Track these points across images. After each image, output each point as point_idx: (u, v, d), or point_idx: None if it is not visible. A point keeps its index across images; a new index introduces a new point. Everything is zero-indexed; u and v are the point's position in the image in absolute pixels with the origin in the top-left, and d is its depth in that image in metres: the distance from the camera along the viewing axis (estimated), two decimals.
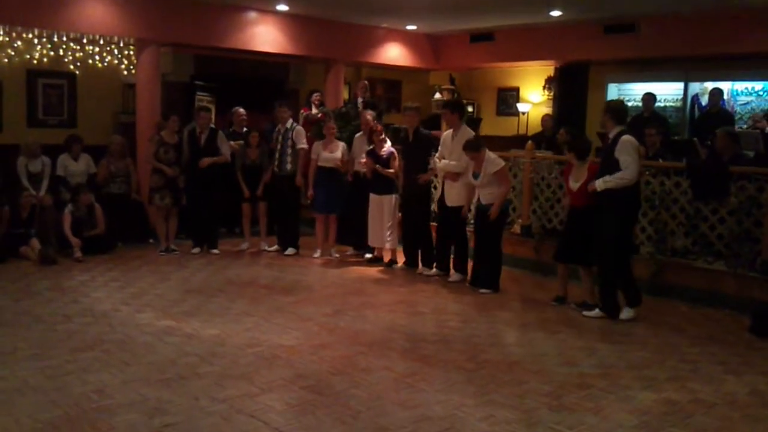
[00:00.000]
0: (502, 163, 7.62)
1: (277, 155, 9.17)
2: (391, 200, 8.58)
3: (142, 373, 4.91)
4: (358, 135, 9.14)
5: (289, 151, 9.12)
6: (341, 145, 9.05)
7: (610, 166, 6.40)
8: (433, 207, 8.88)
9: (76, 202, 8.84)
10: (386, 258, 8.87)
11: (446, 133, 8.13)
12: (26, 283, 7.41)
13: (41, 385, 4.65)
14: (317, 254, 9.17)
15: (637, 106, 12.12)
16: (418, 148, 8.40)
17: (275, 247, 9.49)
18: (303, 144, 9.18)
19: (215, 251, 9.23)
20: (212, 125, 9.33)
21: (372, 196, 8.69)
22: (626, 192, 6.39)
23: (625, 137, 6.38)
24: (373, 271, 8.58)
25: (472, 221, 8.08)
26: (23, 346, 5.42)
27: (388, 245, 8.73)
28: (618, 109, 6.67)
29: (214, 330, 5.95)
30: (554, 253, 7.23)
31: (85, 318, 6.20)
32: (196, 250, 9.22)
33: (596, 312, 6.67)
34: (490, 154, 7.55)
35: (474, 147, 7.53)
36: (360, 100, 10.62)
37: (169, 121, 9.08)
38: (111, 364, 5.08)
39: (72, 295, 6.95)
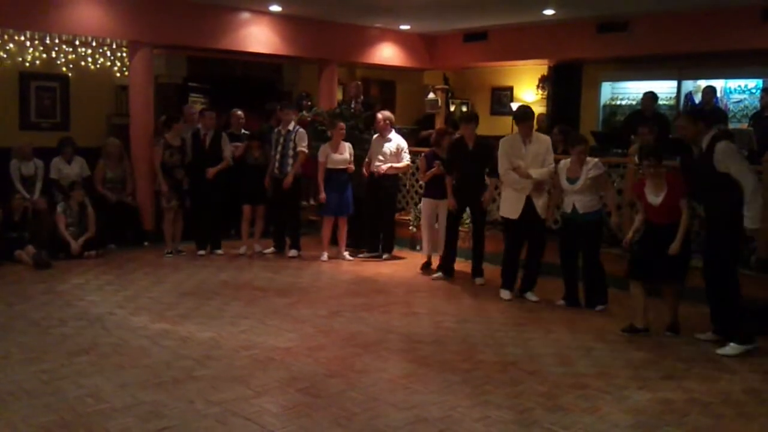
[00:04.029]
0: (603, 167, 7.06)
1: (278, 157, 9.14)
2: (447, 206, 8.27)
3: (137, 376, 4.90)
4: (375, 136, 9.21)
5: (291, 153, 9.12)
6: (348, 146, 9.06)
7: (711, 180, 5.76)
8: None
9: (67, 200, 8.82)
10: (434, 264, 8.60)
11: (508, 140, 7.40)
12: (20, 287, 7.39)
13: (36, 390, 4.63)
14: (324, 257, 9.15)
15: (630, 105, 12.18)
16: (479, 159, 7.91)
17: (271, 249, 9.49)
18: (304, 147, 9.16)
19: (219, 252, 9.29)
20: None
21: (428, 201, 8.65)
22: (736, 202, 5.66)
23: (721, 144, 5.65)
24: (369, 272, 8.58)
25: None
26: (17, 350, 5.40)
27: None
28: (706, 112, 6.04)
29: (209, 333, 5.94)
30: (628, 271, 6.31)
31: (80, 321, 6.18)
32: (202, 251, 9.25)
33: (734, 347, 5.71)
34: (590, 157, 7.00)
35: (582, 143, 6.97)
36: (354, 102, 10.58)
37: (174, 126, 9.13)
38: (106, 368, 5.07)
39: (66, 299, 6.93)
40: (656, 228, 6.18)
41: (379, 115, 9.17)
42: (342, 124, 9.12)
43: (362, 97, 10.76)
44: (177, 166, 8.98)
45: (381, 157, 9.05)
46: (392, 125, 9.27)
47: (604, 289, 7.04)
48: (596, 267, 7.00)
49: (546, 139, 7.43)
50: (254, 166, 9.22)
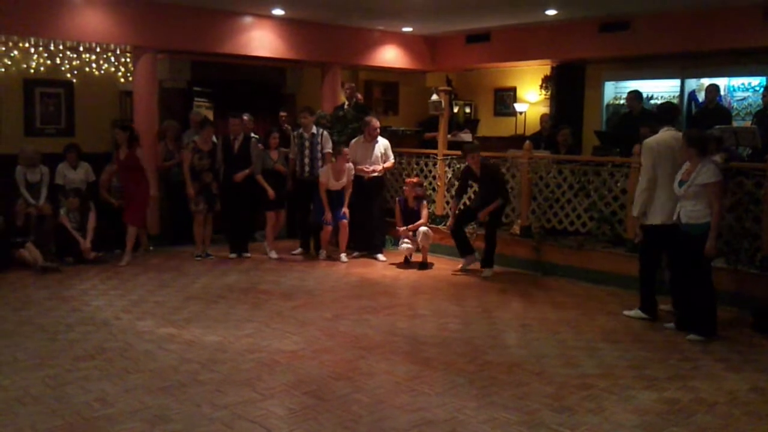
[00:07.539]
0: (721, 176, 6.04)
1: (307, 161, 9.37)
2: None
3: (143, 381, 4.92)
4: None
5: (320, 156, 9.34)
6: (349, 168, 9.19)
7: None
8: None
9: (68, 204, 8.86)
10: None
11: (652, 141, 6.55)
12: (26, 293, 7.41)
13: (42, 395, 4.65)
14: (323, 255, 9.44)
15: None
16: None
17: (299, 250, 9.71)
18: (329, 149, 9.42)
19: (248, 255, 9.42)
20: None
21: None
22: None
23: None
24: (373, 275, 8.59)
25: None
26: (24, 355, 5.42)
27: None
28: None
29: (214, 336, 5.96)
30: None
31: (86, 326, 6.20)
32: (234, 255, 9.36)
33: None
34: (709, 162, 6.03)
35: (699, 144, 5.99)
36: (346, 104, 10.55)
37: (204, 131, 9.22)
38: (112, 372, 5.08)
39: (72, 304, 6.95)
40: None
41: (376, 122, 9.44)
42: (347, 150, 9.22)
43: (354, 100, 10.76)
44: (206, 170, 9.08)
45: (372, 160, 9.38)
46: None
47: (703, 317, 6.08)
48: (700, 290, 6.10)
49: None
50: (274, 172, 9.35)
